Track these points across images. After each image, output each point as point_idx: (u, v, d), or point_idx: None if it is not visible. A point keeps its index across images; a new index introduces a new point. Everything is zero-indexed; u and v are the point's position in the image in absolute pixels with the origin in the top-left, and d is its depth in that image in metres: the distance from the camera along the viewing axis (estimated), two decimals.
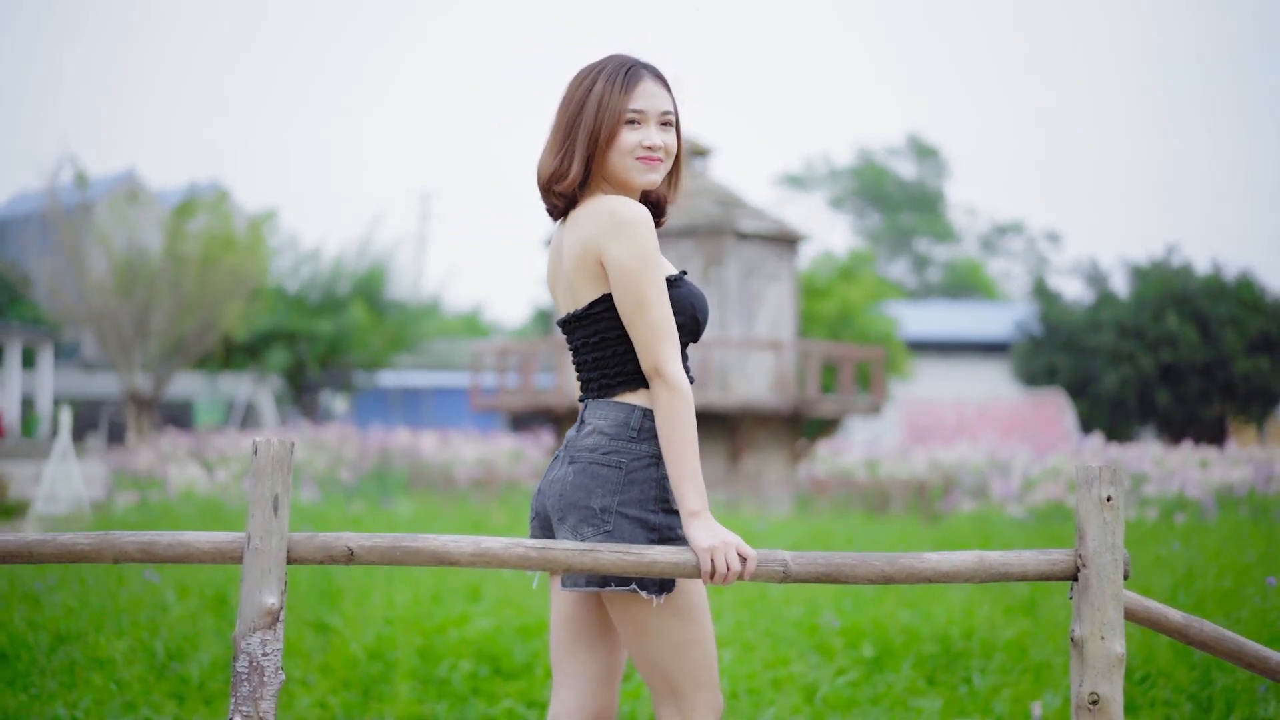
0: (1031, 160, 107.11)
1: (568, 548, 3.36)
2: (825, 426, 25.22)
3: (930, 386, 44.18)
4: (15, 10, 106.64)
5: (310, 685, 6.78)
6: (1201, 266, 40.83)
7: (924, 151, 72.39)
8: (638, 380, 3.56)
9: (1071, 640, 3.39)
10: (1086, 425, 39.47)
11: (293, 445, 3.28)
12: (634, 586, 3.47)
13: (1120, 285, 41.89)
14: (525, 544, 3.39)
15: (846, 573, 3.31)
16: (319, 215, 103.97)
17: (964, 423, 38.42)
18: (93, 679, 6.43)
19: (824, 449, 27.32)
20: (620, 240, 3.46)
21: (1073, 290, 48.56)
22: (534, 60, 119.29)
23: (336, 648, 7.25)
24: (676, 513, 3.51)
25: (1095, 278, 42.46)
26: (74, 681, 6.48)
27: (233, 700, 3.19)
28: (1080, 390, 40.16)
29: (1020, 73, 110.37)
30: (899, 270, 71.44)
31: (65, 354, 46.73)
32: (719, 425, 22.48)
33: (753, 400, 22.04)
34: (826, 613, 8.12)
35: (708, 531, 3.39)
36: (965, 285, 67.24)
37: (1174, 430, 38.75)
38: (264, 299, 35.87)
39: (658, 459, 3.50)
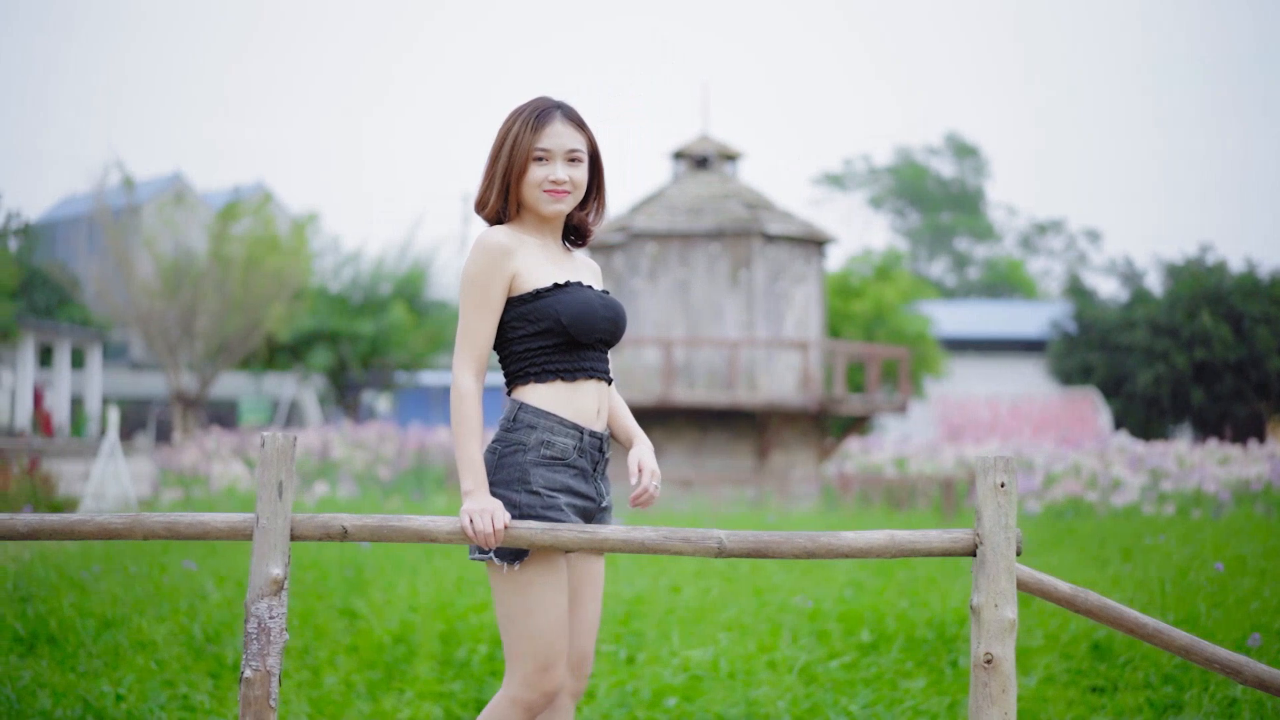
0: (1071, 158, 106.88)
1: (531, 526, 3.88)
2: (854, 424, 25.56)
3: (967, 385, 44.37)
4: (60, 13, 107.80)
5: (337, 665, 7.22)
6: (1235, 265, 40.94)
7: (963, 150, 72.44)
8: (517, 379, 4.13)
9: (971, 608, 3.87)
10: (1121, 423, 39.61)
11: (295, 439, 3.81)
12: (491, 555, 4.02)
13: (1155, 284, 42.04)
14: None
15: (774, 549, 3.80)
16: (357, 216, 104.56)
17: (998, 420, 38.69)
18: (135, 660, 6.90)
19: (855, 446, 27.63)
20: (465, 264, 4.10)
21: (1108, 289, 48.69)
22: (540, 59, 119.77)
23: (363, 632, 7.69)
24: (538, 493, 4.04)
25: (1130, 276, 42.61)
26: (118, 662, 6.95)
27: (245, 656, 3.71)
28: (1115, 388, 40.29)
29: (1060, 71, 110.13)
30: (939, 269, 71.55)
31: (114, 354, 47.43)
32: (746, 423, 22.88)
33: (779, 399, 22.43)
34: (799, 595, 8.54)
35: (470, 503, 3.93)
36: (1005, 284, 67.28)
37: (1209, 428, 38.86)
38: (307, 300, 36.38)
39: (524, 447, 4.05)
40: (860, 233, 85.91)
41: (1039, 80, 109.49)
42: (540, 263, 4.14)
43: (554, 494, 4.04)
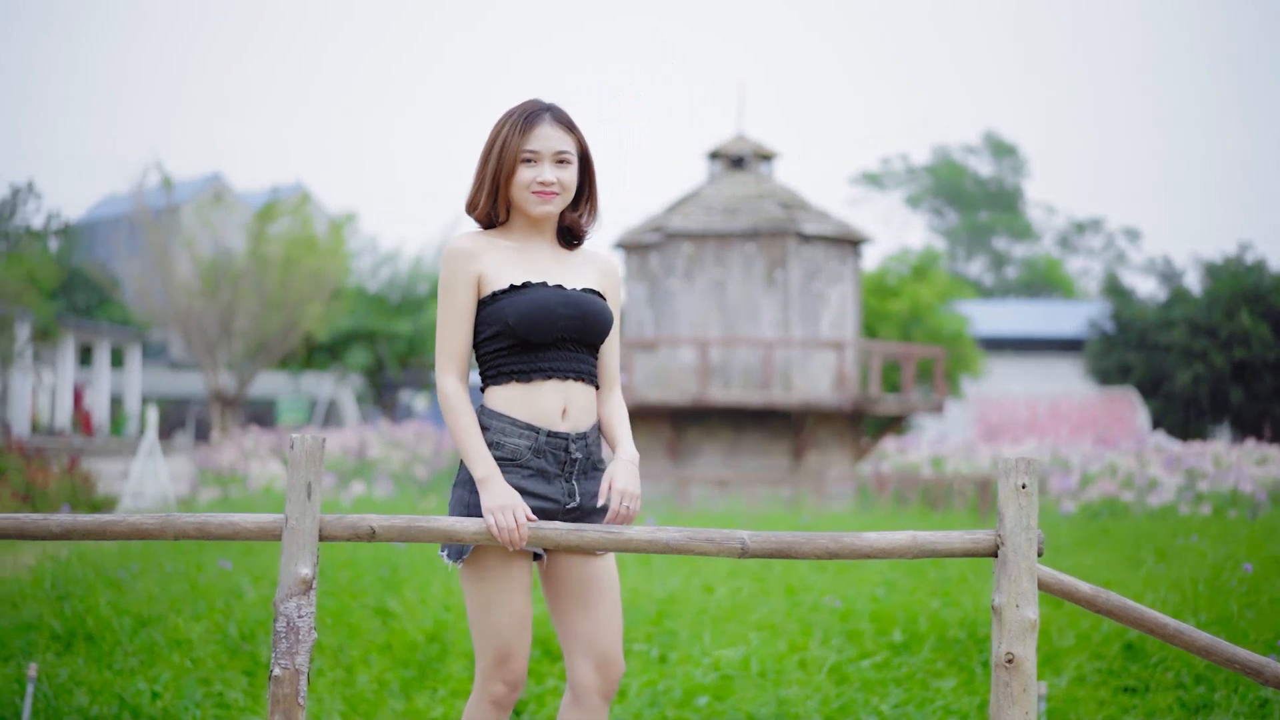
0: (1111, 157, 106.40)
1: (556, 527, 3.93)
2: (889, 424, 25.53)
3: (1005, 384, 44.23)
4: (92, 14, 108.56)
5: (370, 664, 7.29)
6: (1274, 264, 40.74)
7: (1001, 149, 72.20)
8: (484, 381, 4.21)
9: (992, 608, 3.90)
10: (1160, 423, 39.41)
11: (323, 441, 3.87)
12: (446, 552, 4.15)
13: (1193, 283, 41.82)
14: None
15: (796, 549, 3.84)
16: (360, 214, 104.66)
17: (1035, 420, 38.56)
18: (171, 658, 6.99)
19: (891, 446, 27.59)
20: None
21: (1147, 288, 48.47)
22: (567, 53, 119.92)
23: (396, 631, 7.76)
24: None
25: (1169, 275, 42.42)
26: (154, 660, 7.04)
27: (274, 654, 3.77)
28: (1154, 388, 40.10)
29: (1099, 68, 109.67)
30: (977, 268, 71.34)
31: (153, 354, 47.74)
32: (782, 423, 22.88)
33: (815, 399, 22.42)
34: (830, 595, 8.56)
35: (490, 495, 3.99)
36: (1043, 283, 67.05)
37: (1248, 428, 38.62)
38: (344, 299, 36.56)
39: None
40: (898, 232, 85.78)
41: (1079, 78, 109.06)
42: (508, 265, 4.20)
43: None
